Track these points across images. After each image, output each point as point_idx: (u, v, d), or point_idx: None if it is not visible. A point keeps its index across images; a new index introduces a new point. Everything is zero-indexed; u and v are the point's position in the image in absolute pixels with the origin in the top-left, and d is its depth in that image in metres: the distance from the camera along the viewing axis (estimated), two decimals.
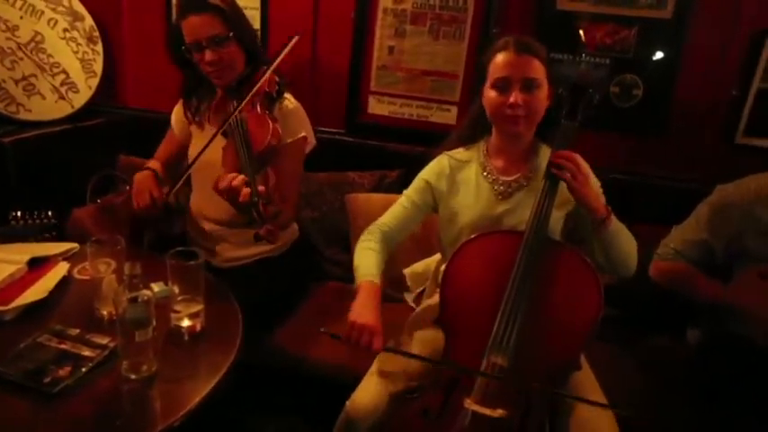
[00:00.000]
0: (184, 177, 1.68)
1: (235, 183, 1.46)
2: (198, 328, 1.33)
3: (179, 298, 1.31)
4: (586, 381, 1.43)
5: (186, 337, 1.32)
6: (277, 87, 1.78)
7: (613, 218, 1.36)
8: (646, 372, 1.82)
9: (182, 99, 1.92)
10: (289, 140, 1.77)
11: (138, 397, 1.13)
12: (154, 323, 1.15)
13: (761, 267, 1.61)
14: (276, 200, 1.54)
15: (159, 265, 1.35)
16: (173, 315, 1.32)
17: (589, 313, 1.31)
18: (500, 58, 1.43)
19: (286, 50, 1.67)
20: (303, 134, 1.83)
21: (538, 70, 1.41)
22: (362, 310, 1.34)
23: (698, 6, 2.05)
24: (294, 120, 1.82)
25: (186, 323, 1.31)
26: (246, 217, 1.47)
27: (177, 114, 1.97)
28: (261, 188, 1.46)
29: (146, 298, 1.13)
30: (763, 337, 1.56)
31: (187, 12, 1.69)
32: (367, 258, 1.50)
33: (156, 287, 1.43)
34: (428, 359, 1.35)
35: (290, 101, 1.84)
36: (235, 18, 1.72)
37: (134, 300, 1.12)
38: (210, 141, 1.63)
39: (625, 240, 1.40)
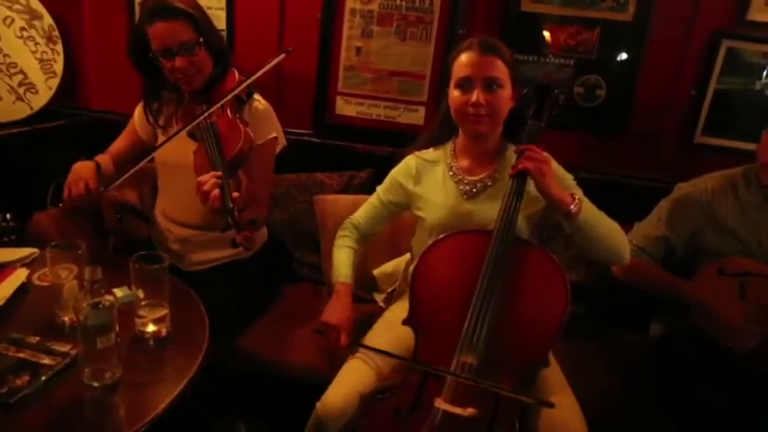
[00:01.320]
0: (128, 174, 1.62)
1: (206, 187, 1.44)
2: (163, 332, 1.30)
3: (143, 302, 1.29)
4: (554, 377, 1.45)
5: (151, 343, 1.29)
6: (246, 90, 1.76)
7: (585, 209, 1.35)
8: (613, 366, 1.85)
9: (143, 104, 1.87)
10: (259, 142, 1.75)
11: (100, 405, 1.10)
12: (117, 329, 1.12)
13: (720, 262, 1.65)
14: (251, 205, 1.52)
15: (123, 270, 1.31)
16: (137, 320, 1.29)
17: (557, 311, 1.33)
18: (463, 58, 1.44)
19: (271, 64, 1.63)
20: (274, 135, 1.82)
21: (500, 70, 1.42)
22: (332, 311, 1.50)
23: (657, 9, 2.10)
24: (264, 121, 1.80)
25: (151, 328, 1.29)
26: (221, 223, 1.45)
27: (141, 114, 1.92)
28: (235, 194, 1.44)
29: (108, 303, 1.10)
30: (719, 330, 1.61)
31: (155, 18, 1.63)
32: (341, 258, 1.63)
33: (120, 292, 1.40)
34: (392, 354, 1.39)
35: (259, 102, 1.82)
36: (203, 23, 1.68)
37: (96, 305, 1.09)
38: (170, 138, 1.60)
39: (605, 229, 1.40)
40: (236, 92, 1.66)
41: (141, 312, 1.29)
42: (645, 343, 1.90)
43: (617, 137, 2.26)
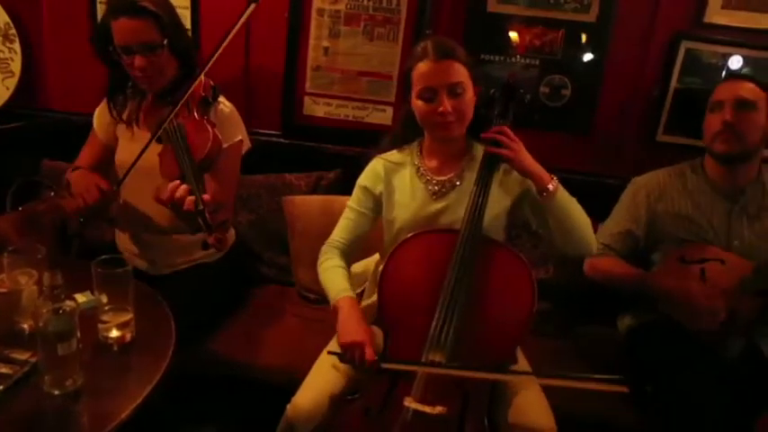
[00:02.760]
0: (129, 171, 1.62)
1: (178, 194, 1.41)
2: (127, 338, 1.28)
3: (107, 307, 1.26)
4: None
5: (115, 348, 1.26)
6: (212, 91, 1.74)
7: (561, 188, 1.38)
8: (582, 361, 1.89)
9: (106, 98, 1.82)
10: (226, 145, 1.73)
11: (62, 413, 1.08)
12: (78, 335, 1.09)
13: (681, 251, 1.71)
14: (221, 207, 1.50)
15: (86, 274, 1.29)
16: (100, 326, 1.26)
17: (523, 308, 1.35)
18: (421, 67, 1.42)
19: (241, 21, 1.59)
20: (240, 137, 1.80)
21: (460, 73, 1.42)
22: (348, 328, 1.38)
23: (619, 11, 2.15)
24: (230, 124, 1.78)
25: (115, 333, 1.26)
26: (192, 226, 1.42)
27: (100, 116, 1.87)
28: (206, 196, 1.42)
29: (68, 309, 1.08)
30: (687, 314, 1.65)
31: (120, 13, 1.59)
32: (334, 275, 1.52)
33: (82, 297, 1.37)
34: (427, 366, 1.27)
35: (224, 104, 1.80)
36: (170, 25, 1.65)
37: (56, 311, 1.06)
38: (146, 148, 1.58)
39: (578, 213, 1.41)
40: (197, 86, 1.63)
41: (104, 317, 1.26)
42: (614, 338, 1.93)
43: (582, 136, 2.29)
